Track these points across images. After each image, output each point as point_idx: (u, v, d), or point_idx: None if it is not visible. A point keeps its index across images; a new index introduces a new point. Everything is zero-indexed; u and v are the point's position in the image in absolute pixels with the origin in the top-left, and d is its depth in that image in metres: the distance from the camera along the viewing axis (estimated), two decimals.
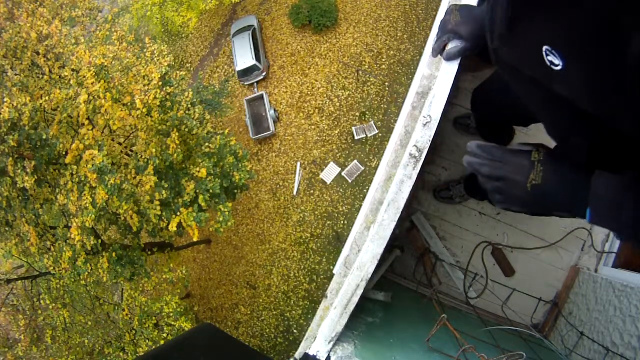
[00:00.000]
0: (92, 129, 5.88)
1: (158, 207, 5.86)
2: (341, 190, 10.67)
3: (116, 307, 8.84)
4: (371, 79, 10.91)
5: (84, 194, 5.51)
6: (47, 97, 5.95)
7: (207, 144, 6.51)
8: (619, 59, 0.57)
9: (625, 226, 0.86)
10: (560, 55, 0.68)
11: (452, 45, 1.36)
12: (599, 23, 0.59)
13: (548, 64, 0.71)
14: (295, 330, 10.73)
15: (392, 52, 10.94)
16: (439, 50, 1.40)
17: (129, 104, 5.88)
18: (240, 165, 6.82)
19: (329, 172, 10.72)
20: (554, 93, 0.77)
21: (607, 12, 0.57)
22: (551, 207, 1.07)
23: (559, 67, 0.70)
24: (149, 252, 7.83)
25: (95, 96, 5.71)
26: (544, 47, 0.70)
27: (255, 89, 11.74)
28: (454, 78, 1.37)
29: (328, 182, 10.73)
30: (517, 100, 1.12)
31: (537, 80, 0.82)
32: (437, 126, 1.34)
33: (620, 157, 0.88)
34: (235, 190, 7.15)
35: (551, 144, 1.14)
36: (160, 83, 6.05)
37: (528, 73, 0.86)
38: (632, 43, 0.54)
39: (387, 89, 10.79)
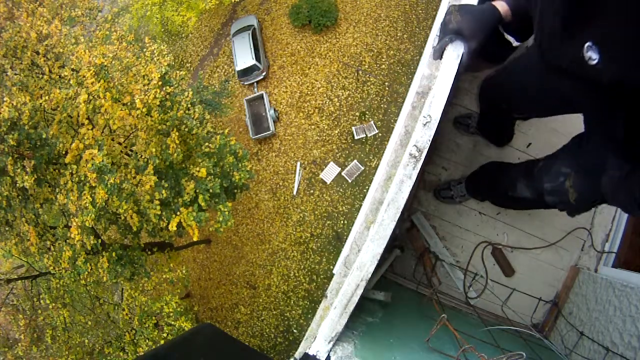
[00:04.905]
0: (92, 129, 5.87)
1: (158, 207, 5.85)
2: (341, 190, 10.67)
3: (116, 307, 8.84)
4: (371, 79, 10.91)
5: (84, 194, 5.51)
6: (47, 97, 5.95)
7: (207, 144, 6.51)
8: None
9: (627, 205, 1.25)
10: (599, 50, 0.82)
11: (455, 48, 1.36)
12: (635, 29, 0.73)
13: (587, 59, 0.86)
14: (295, 330, 10.73)
15: (392, 52, 10.93)
16: (440, 51, 1.40)
17: (129, 103, 5.87)
18: (240, 165, 6.82)
19: (329, 172, 10.72)
20: (592, 84, 0.94)
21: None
22: (592, 204, 1.55)
23: (595, 61, 0.84)
24: (149, 252, 7.82)
25: (95, 96, 5.70)
26: (587, 44, 0.84)
27: (255, 89, 11.73)
28: (454, 78, 1.37)
29: (328, 182, 10.73)
30: (523, 90, 1.40)
31: (574, 73, 1.00)
32: (437, 126, 1.34)
33: None
34: (235, 190, 7.14)
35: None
36: (160, 83, 6.04)
37: (564, 66, 1.04)
38: None
39: (387, 89, 10.79)
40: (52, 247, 6.49)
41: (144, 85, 6.07)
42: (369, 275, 1.34)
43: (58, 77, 6.52)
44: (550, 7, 1.03)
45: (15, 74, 6.46)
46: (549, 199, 1.70)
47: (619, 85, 0.87)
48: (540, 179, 1.74)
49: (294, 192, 10.98)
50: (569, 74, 1.08)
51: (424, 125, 1.34)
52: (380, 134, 10.54)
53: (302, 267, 10.75)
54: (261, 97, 11.31)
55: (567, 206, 1.60)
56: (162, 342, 7.95)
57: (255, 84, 11.74)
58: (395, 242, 2.76)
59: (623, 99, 0.95)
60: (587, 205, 1.58)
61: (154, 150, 5.92)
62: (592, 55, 0.84)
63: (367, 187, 10.21)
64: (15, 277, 8.71)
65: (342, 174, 10.65)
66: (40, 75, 6.52)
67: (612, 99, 1.03)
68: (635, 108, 0.98)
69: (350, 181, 10.61)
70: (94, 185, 5.36)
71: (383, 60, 10.92)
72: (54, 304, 7.81)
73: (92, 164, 5.24)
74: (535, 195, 1.86)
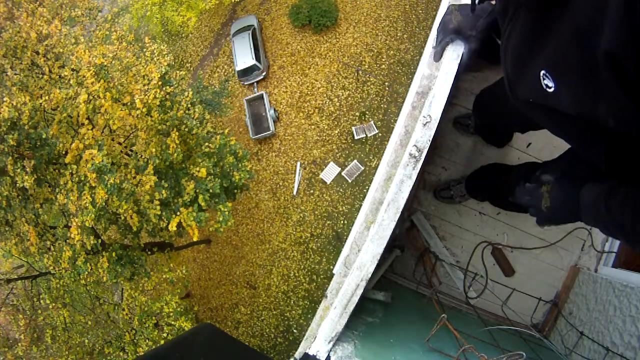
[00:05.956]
0: (92, 129, 5.88)
1: (158, 207, 5.86)
2: (341, 190, 10.67)
3: (116, 307, 8.84)
4: (371, 79, 10.91)
5: (84, 194, 5.51)
6: (47, 97, 5.95)
7: (207, 144, 6.51)
8: (596, 76, 0.69)
9: (607, 226, 1.08)
10: (552, 77, 0.81)
11: (455, 48, 1.36)
12: (577, 49, 0.71)
13: (544, 87, 0.84)
14: (295, 330, 10.73)
15: (392, 52, 10.94)
16: (441, 52, 1.40)
17: (129, 103, 5.87)
18: (240, 165, 6.82)
19: (329, 172, 10.72)
20: (561, 113, 0.89)
21: (582, 40, 0.69)
22: (564, 219, 1.40)
23: (552, 89, 0.82)
24: (149, 252, 7.82)
25: (95, 96, 5.70)
26: (541, 72, 0.83)
27: (255, 89, 11.73)
28: (454, 78, 1.37)
29: (328, 182, 10.73)
30: (516, 110, 1.27)
31: (541, 104, 0.96)
32: (437, 126, 1.34)
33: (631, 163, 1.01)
34: (235, 190, 7.14)
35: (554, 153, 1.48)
36: (160, 83, 6.04)
37: (530, 99, 1.00)
38: (603, 64, 0.64)
39: (387, 89, 10.79)
40: (52, 247, 6.49)
41: (144, 85, 6.07)
42: (369, 275, 1.34)
43: (58, 77, 6.52)
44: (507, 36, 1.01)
45: (15, 74, 6.46)
46: (525, 199, 1.60)
47: (578, 113, 0.84)
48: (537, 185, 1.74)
49: (294, 192, 10.98)
50: (538, 107, 1.04)
51: (424, 125, 1.34)
52: (380, 134, 10.55)
53: (302, 267, 10.75)
54: (261, 97, 11.31)
55: (538, 212, 1.48)
56: (162, 342, 7.95)
57: (255, 84, 11.75)
58: (395, 242, 2.76)
59: (599, 129, 0.88)
60: (558, 217, 1.42)
61: (154, 150, 5.92)
62: (549, 84, 0.83)
63: (367, 187, 10.21)
64: (15, 277, 8.71)
65: (342, 174, 10.65)
66: (40, 75, 6.53)
67: (588, 129, 0.97)
68: (614, 139, 0.92)
69: (350, 181, 10.61)
70: (94, 185, 5.36)
71: (383, 60, 10.93)
72: (54, 304, 7.82)
73: (92, 164, 5.24)
74: (531, 202, 1.86)
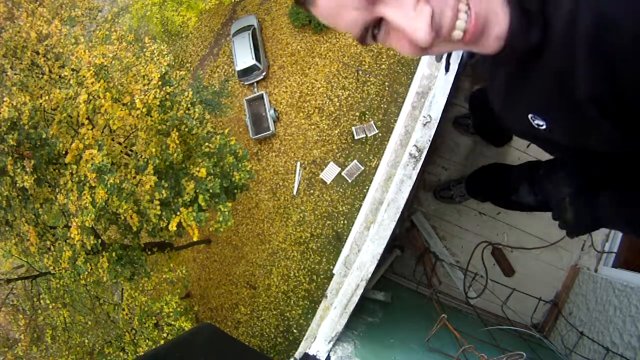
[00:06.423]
0: (92, 129, 5.88)
1: (158, 207, 5.86)
2: (341, 190, 10.67)
3: (116, 307, 8.84)
4: (371, 79, 10.91)
5: (84, 194, 5.51)
6: (47, 97, 5.95)
7: (207, 144, 6.51)
8: (582, 114, 0.72)
9: (626, 228, 1.16)
10: (541, 118, 0.84)
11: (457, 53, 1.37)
12: (558, 92, 0.74)
13: (536, 126, 0.87)
14: (295, 330, 10.73)
15: (392, 52, 10.93)
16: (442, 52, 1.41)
17: (129, 103, 5.88)
18: (240, 165, 6.82)
19: (329, 172, 10.72)
20: (555, 144, 0.93)
21: (562, 84, 0.72)
22: (592, 227, 1.48)
23: (543, 127, 0.85)
24: (149, 252, 7.82)
25: (95, 96, 5.70)
26: (529, 115, 0.86)
27: (255, 89, 11.74)
28: (454, 78, 1.37)
29: (328, 182, 10.73)
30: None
31: (533, 137, 1.00)
32: (437, 126, 1.34)
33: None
34: (235, 190, 7.14)
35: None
36: (160, 83, 6.05)
37: (521, 132, 1.04)
38: (583, 105, 0.67)
39: (387, 89, 10.79)
40: (52, 247, 6.49)
41: (144, 85, 6.08)
42: (369, 275, 1.34)
43: (58, 77, 6.52)
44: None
45: (15, 74, 6.46)
46: (553, 214, 1.67)
47: (572, 145, 0.88)
48: (542, 185, 1.73)
49: (294, 192, 10.98)
50: (532, 140, 1.09)
51: (424, 125, 1.34)
52: (380, 134, 10.55)
53: (302, 267, 10.75)
54: (261, 97, 11.31)
55: (566, 226, 1.54)
56: (162, 342, 7.95)
57: (255, 84, 11.75)
58: (395, 242, 2.76)
59: (597, 158, 0.94)
60: (585, 228, 1.51)
61: (154, 150, 5.92)
62: (539, 122, 0.85)
63: (367, 187, 10.21)
64: (15, 277, 8.71)
65: (342, 174, 10.65)
66: (40, 75, 6.53)
67: (585, 158, 1.02)
68: (614, 165, 0.97)
69: (350, 181, 10.61)
70: (94, 185, 5.36)
71: (383, 60, 10.92)
72: (54, 304, 7.82)
73: (92, 164, 5.24)
74: (538, 201, 1.86)
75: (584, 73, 0.63)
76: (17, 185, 5.67)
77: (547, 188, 1.67)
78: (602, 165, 1.11)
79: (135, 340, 8.29)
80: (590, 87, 0.64)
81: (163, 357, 1.41)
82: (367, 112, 10.75)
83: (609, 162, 1.03)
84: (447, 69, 1.45)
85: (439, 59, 1.44)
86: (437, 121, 1.34)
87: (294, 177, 11.02)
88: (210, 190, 6.18)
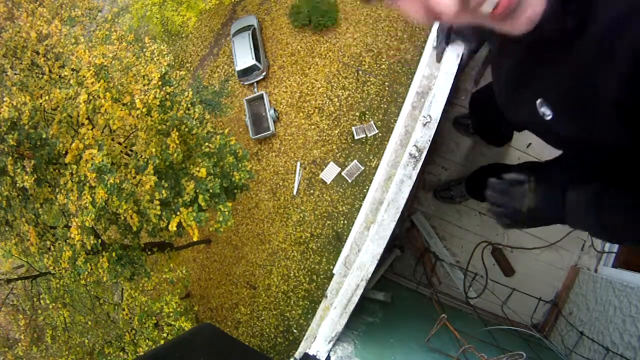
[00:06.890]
0: (92, 129, 5.88)
1: (158, 207, 5.86)
2: (341, 190, 10.67)
3: (116, 307, 8.84)
4: (371, 79, 10.91)
5: (84, 194, 5.51)
6: (47, 97, 5.95)
7: (207, 143, 6.51)
8: (595, 111, 0.71)
9: (594, 228, 1.04)
10: (550, 107, 0.81)
11: (455, 48, 1.36)
12: (578, 85, 0.72)
13: (541, 114, 0.84)
14: (295, 330, 10.73)
15: (392, 52, 10.93)
16: (443, 51, 1.41)
17: (129, 103, 5.88)
18: (240, 165, 6.82)
19: (329, 172, 10.72)
20: (560, 138, 0.92)
21: (585, 79, 0.70)
22: (545, 222, 1.28)
23: (550, 116, 0.82)
24: (149, 252, 7.82)
25: (95, 96, 5.70)
26: (538, 100, 0.83)
27: (255, 89, 11.73)
28: (454, 78, 1.37)
29: (328, 182, 10.73)
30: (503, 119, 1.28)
31: (537, 127, 0.98)
32: (437, 126, 1.34)
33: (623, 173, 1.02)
34: (235, 190, 7.14)
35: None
36: (160, 83, 6.05)
37: (525, 122, 1.01)
38: (607, 107, 0.67)
39: (387, 89, 10.78)
40: (52, 247, 6.49)
41: (144, 85, 6.08)
42: (369, 275, 1.34)
43: (58, 77, 6.52)
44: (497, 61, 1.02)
45: (15, 74, 6.46)
46: (501, 198, 1.34)
47: (576, 138, 0.86)
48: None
49: (294, 192, 10.98)
50: (532, 126, 1.04)
51: (424, 125, 1.34)
52: (380, 134, 10.54)
53: (302, 267, 10.75)
54: (261, 97, 11.31)
55: (514, 213, 1.24)
56: (162, 342, 7.95)
57: (255, 84, 11.74)
58: (395, 242, 2.76)
59: (601, 154, 0.93)
60: (537, 219, 1.26)
61: (154, 150, 5.92)
62: (546, 111, 0.82)
63: (367, 187, 10.21)
64: (15, 277, 8.71)
65: (342, 174, 10.65)
66: (40, 75, 6.53)
67: (584, 146, 0.98)
68: (614, 163, 0.95)
69: (350, 181, 10.61)
70: (94, 185, 5.36)
71: (383, 60, 10.92)
72: (54, 304, 7.81)
73: (92, 164, 5.24)
74: None
75: (620, 77, 0.62)
76: (17, 185, 5.67)
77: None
78: (597, 161, 1.09)
79: (135, 340, 8.29)
80: (622, 92, 0.63)
81: (163, 357, 1.41)
82: (367, 112, 10.75)
83: (605, 159, 1.02)
84: (438, 59, 1.44)
85: (439, 59, 1.44)
86: (437, 121, 1.34)
87: (294, 177, 11.02)
88: (210, 190, 6.18)
